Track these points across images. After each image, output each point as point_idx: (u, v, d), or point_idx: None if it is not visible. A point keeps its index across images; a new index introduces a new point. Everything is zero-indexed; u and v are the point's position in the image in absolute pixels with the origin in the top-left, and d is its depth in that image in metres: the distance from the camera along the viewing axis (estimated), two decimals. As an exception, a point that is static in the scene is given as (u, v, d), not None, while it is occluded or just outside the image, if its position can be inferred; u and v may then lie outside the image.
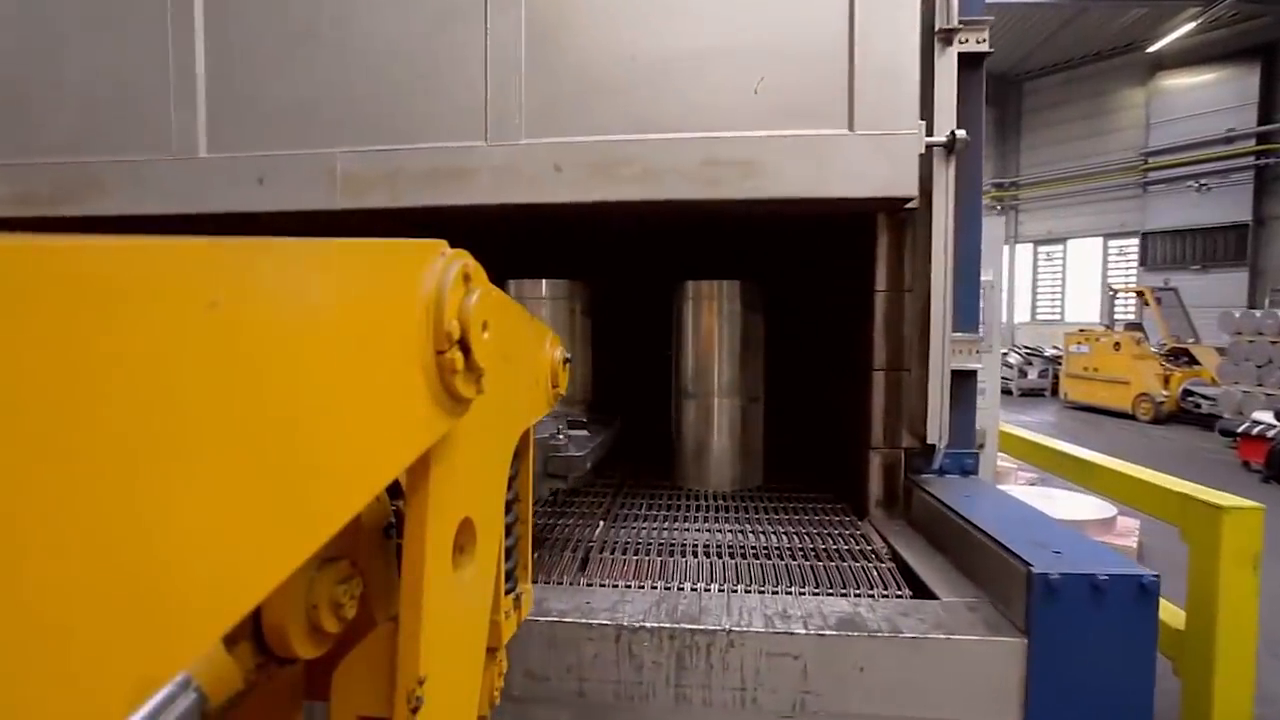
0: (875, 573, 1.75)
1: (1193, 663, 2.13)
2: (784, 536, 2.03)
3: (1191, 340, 12.91)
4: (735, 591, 1.63)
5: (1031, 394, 15.23)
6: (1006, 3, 14.28)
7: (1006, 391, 14.78)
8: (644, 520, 2.19)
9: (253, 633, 0.70)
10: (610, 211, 2.05)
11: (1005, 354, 15.87)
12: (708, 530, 2.09)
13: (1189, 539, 2.18)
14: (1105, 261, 22.89)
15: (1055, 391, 14.89)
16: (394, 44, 2.11)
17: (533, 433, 1.14)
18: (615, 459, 2.75)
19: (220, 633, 0.40)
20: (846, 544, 1.96)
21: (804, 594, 1.62)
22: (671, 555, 1.87)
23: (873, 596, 1.61)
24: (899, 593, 1.63)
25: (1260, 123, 18.33)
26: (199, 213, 2.18)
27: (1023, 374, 15.59)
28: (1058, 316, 23.77)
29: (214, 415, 0.39)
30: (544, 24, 2.03)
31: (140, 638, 0.34)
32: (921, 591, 1.65)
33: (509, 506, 1.02)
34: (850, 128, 1.89)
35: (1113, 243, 22.62)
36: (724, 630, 1.43)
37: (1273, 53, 18.17)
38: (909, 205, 2.02)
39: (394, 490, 0.82)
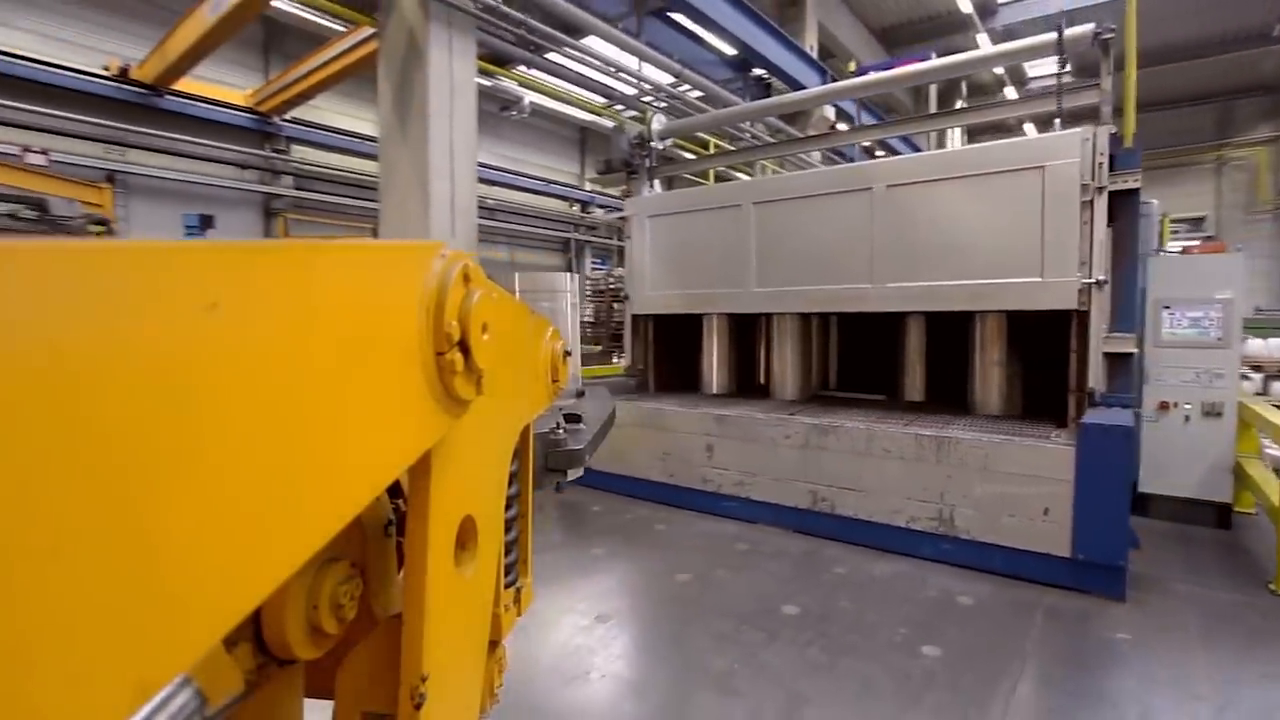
0: (1048, 436, 4.09)
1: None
2: (1017, 424, 4.45)
3: None
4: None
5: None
6: None
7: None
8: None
9: (253, 634, 0.70)
10: (932, 316, 4.72)
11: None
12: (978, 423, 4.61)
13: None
14: None
15: None
16: (829, 238, 5.17)
17: (533, 428, 1.16)
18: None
19: (221, 635, 0.41)
20: (1045, 431, 4.30)
21: (1009, 436, 4.09)
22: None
23: (1032, 436, 4.02)
24: (1050, 440, 3.99)
25: None
26: (750, 313, 5.63)
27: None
28: None
29: (214, 417, 0.40)
30: (898, 230, 4.85)
31: (141, 640, 0.35)
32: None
33: (510, 502, 1.03)
34: (1043, 276, 4.28)
35: None
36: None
37: None
38: (1082, 309, 4.22)
39: (393, 489, 0.83)
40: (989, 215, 4.46)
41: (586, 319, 13.14)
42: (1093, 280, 4.15)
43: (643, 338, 6.76)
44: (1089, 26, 4.41)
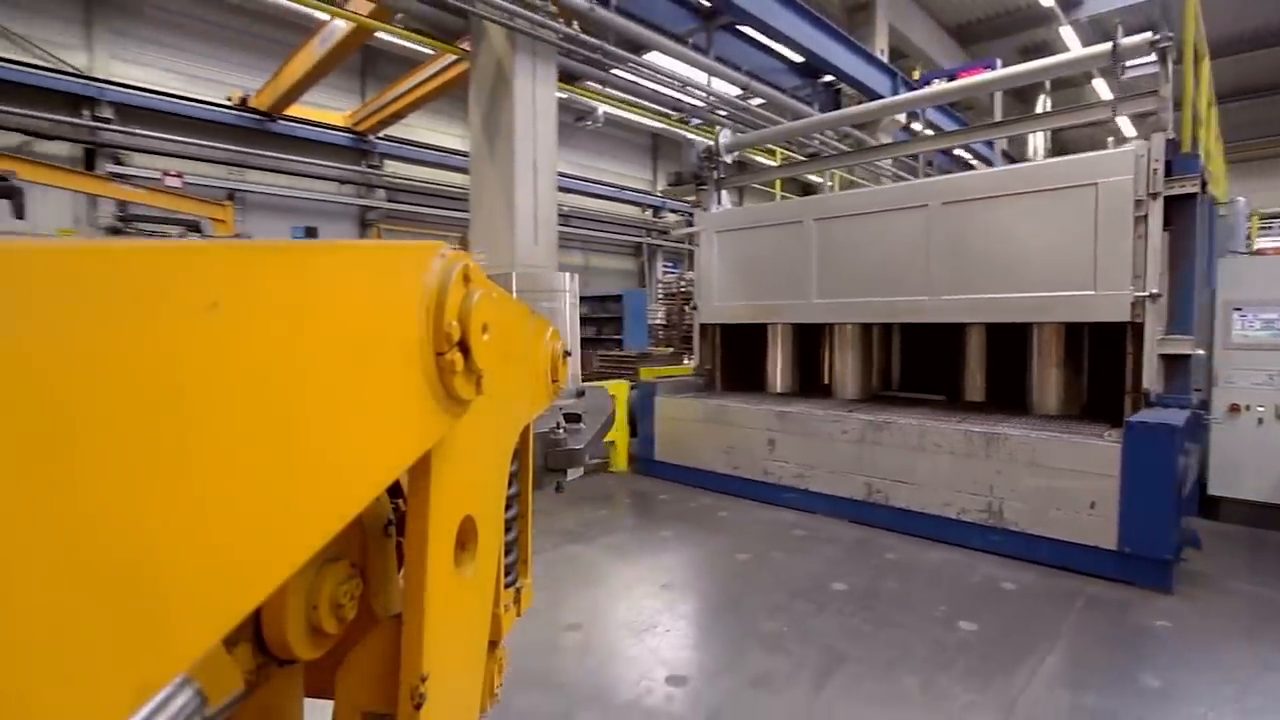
0: (1099, 435, 4.26)
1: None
2: (1072, 423, 4.61)
3: None
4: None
5: None
6: None
7: None
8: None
9: (253, 634, 0.71)
10: (988, 327, 4.93)
11: None
12: (1032, 420, 4.78)
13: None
14: None
15: None
16: (886, 253, 5.44)
17: (533, 428, 1.16)
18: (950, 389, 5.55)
19: (221, 635, 0.41)
20: (1099, 431, 4.46)
21: (1057, 433, 4.29)
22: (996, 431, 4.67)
23: (1081, 434, 4.20)
24: (1098, 436, 4.17)
25: None
26: (812, 323, 5.95)
27: None
28: None
29: (214, 416, 0.40)
30: (953, 245, 5.07)
31: (140, 641, 0.35)
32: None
33: (509, 502, 1.04)
34: (1095, 289, 4.44)
35: None
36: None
37: None
38: (1137, 321, 4.36)
39: (393, 489, 0.84)
40: (1042, 230, 4.65)
41: (658, 322, 13.59)
42: (1145, 294, 4.27)
43: (710, 341, 7.16)
44: (1145, 36, 4.51)
